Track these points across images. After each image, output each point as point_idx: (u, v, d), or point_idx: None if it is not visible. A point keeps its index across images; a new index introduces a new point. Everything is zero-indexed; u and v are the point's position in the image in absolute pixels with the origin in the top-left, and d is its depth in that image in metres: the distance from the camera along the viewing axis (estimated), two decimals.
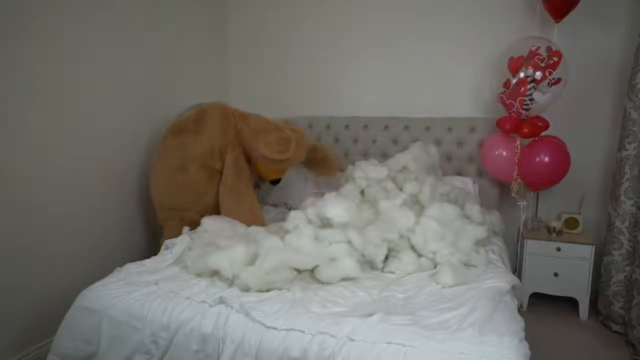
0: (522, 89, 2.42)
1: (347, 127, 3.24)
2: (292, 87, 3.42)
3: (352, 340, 1.36)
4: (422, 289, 1.73)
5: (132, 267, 1.90)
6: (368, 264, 1.95)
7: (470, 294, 1.65)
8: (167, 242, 2.17)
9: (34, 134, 2.09)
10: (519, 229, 2.87)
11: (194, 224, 2.30)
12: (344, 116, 3.26)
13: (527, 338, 1.43)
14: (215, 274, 1.79)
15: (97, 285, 1.74)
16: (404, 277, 1.88)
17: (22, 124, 2.04)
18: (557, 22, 2.56)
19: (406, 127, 3.09)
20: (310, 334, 1.40)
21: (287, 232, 1.97)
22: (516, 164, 2.60)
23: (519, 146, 2.58)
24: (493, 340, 1.33)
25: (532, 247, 2.67)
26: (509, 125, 2.57)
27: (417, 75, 3.10)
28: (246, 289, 1.67)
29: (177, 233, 2.27)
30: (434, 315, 1.49)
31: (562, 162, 2.51)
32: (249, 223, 2.29)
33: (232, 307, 1.53)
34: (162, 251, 2.13)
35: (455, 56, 2.99)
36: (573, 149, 2.56)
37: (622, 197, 2.42)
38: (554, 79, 2.40)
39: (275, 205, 3.05)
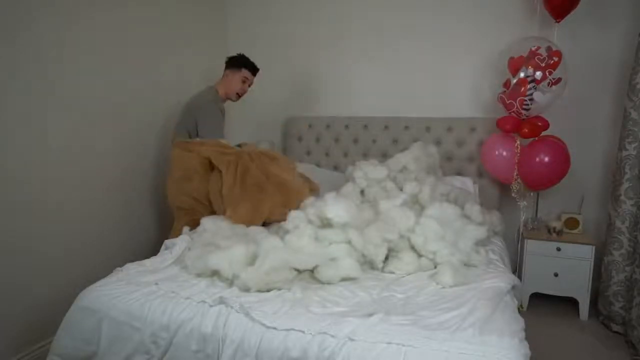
0: (522, 89, 2.42)
1: (347, 127, 3.24)
2: (292, 88, 3.42)
3: (352, 340, 1.36)
4: (422, 289, 1.73)
5: (132, 267, 1.89)
6: (368, 264, 1.95)
7: (470, 294, 1.65)
8: (167, 242, 2.17)
9: (34, 134, 2.09)
10: (519, 229, 2.87)
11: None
12: (344, 116, 3.26)
13: (527, 338, 1.43)
14: (215, 274, 1.78)
15: (97, 285, 1.74)
16: (404, 277, 1.87)
17: (22, 124, 2.04)
18: (557, 22, 2.56)
19: (406, 127, 3.09)
20: (310, 334, 1.39)
21: (287, 232, 1.97)
22: (516, 164, 2.60)
23: (518, 146, 2.58)
24: (493, 340, 1.32)
25: (532, 247, 2.67)
26: (509, 125, 2.57)
27: (417, 75, 3.10)
28: (246, 289, 1.67)
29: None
30: (434, 315, 1.49)
31: (562, 162, 2.51)
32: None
33: (232, 307, 1.53)
34: (162, 251, 2.13)
35: (455, 56, 2.99)
36: (573, 149, 2.56)
37: (622, 197, 2.42)
38: (554, 78, 2.41)
39: None
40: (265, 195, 2.37)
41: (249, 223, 2.22)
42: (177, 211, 2.57)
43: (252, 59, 2.74)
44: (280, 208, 2.29)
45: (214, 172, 2.45)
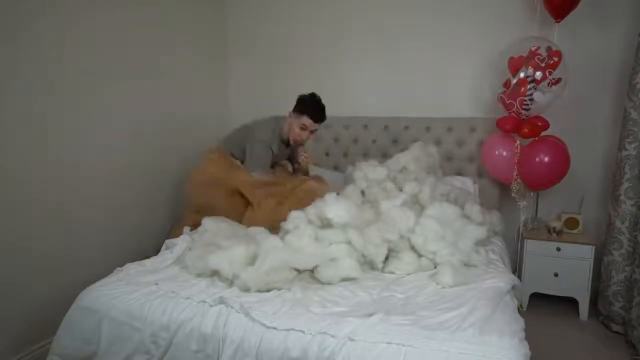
0: (522, 89, 2.42)
1: (347, 127, 3.24)
2: (292, 88, 3.40)
3: (352, 340, 1.36)
4: (422, 289, 1.73)
5: (132, 267, 1.90)
6: (368, 264, 1.95)
7: (470, 294, 1.65)
8: (168, 241, 2.17)
9: (34, 134, 2.09)
10: (519, 229, 2.87)
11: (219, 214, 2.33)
12: (344, 116, 3.26)
13: (527, 338, 1.43)
14: (215, 274, 1.79)
15: (97, 285, 1.74)
16: (404, 277, 1.88)
17: (22, 124, 2.03)
18: (558, 22, 2.56)
19: (406, 127, 3.09)
20: (310, 334, 1.39)
21: (287, 232, 1.97)
22: (516, 163, 2.60)
23: (518, 146, 2.58)
24: (493, 340, 1.32)
25: (532, 247, 2.67)
26: (509, 125, 2.57)
27: (417, 75, 3.10)
28: (246, 289, 1.67)
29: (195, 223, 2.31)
30: (434, 315, 1.49)
31: (561, 162, 2.51)
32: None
33: (232, 307, 1.53)
34: (163, 251, 2.13)
35: (455, 56, 2.99)
36: (573, 149, 2.56)
37: (622, 197, 2.42)
38: (554, 79, 2.41)
39: None
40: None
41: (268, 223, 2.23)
42: (187, 208, 2.59)
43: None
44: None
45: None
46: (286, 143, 2.67)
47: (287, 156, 2.81)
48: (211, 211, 2.36)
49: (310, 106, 2.50)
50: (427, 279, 1.82)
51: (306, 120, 2.50)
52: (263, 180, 2.46)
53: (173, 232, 2.57)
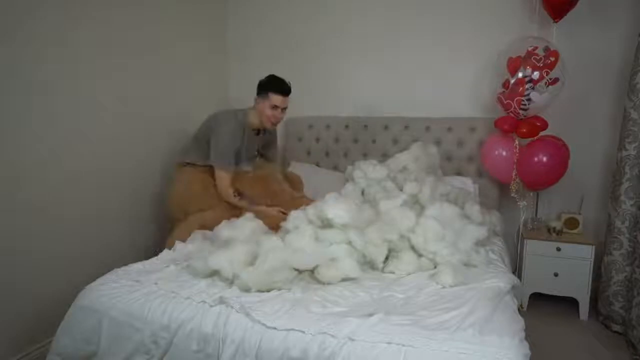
0: (520, 89, 2.42)
1: (346, 127, 3.24)
2: (292, 87, 3.42)
3: (353, 340, 1.36)
4: (422, 289, 1.73)
5: (132, 267, 1.90)
6: (368, 264, 1.95)
7: (470, 294, 1.65)
8: (169, 241, 2.17)
9: (34, 134, 2.09)
10: (519, 229, 2.87)
11: (205, 228, 2.29)
12: (344, 116, 3.26)
13: (527, 338, 1.43)
14: (215, 274, 1.79)
15: (97, 285, 1.74)
16: (404, 277, 1.87)
17: (23, 124, 2.04)
18: (556, 21, 2.56)
19: (406, 127, 3.09)
20: (311, 334, 1.39)
21: (287, 232, 1.97)
22: (515, 163, 2.60)
23: (517, 146, 2.59)
24: (493, 340, 1.32)
25: (532, 247, 2.67)
26: (507, 125, 2.57)
27: (417, 75, 3.10)
28: (246, 289, 1.67)
29: (187, 234, 2.27)
30: (434, 315, 1.49)
31: (560, 162, 2.51)
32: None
33: (232, 307, 1.53)
34: (163, 251, 2.13)
35: (455, 56, 3.00)
36: (573, 149, 2.56)
37: (622, 197, 2.42)
38: (551, 78, 2.41)
39: None
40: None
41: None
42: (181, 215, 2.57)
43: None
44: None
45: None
46: (256, 131, 2.65)
47: (259, 145, 2.77)
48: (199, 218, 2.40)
49: (273, 83, 2.49)
50: (427, 279, 1.82)
51: (274, 98, 2.47)
52: (239, 173, 2.49)
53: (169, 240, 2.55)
